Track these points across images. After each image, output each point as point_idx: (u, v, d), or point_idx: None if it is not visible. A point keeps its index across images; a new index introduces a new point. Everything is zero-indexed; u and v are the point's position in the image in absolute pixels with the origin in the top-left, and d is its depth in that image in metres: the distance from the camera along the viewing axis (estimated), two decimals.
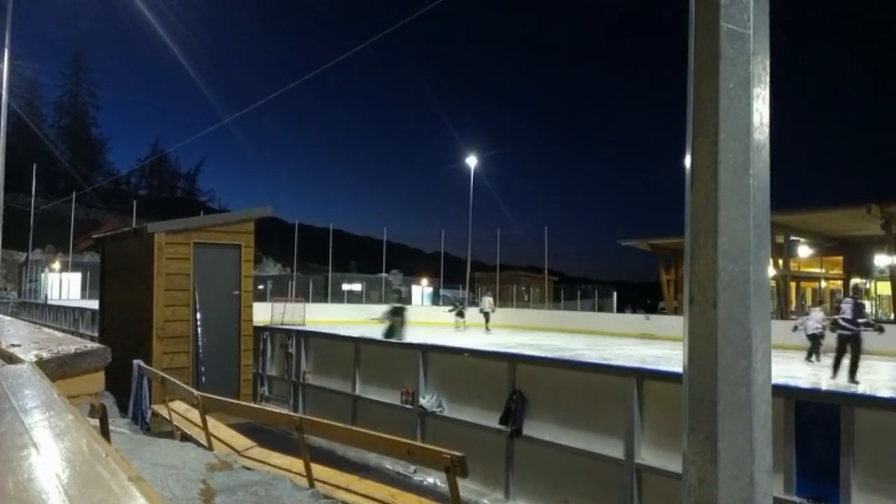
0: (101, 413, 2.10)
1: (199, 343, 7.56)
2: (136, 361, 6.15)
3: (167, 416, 5.27)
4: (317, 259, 47.10)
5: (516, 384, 4.77)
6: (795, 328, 15.63)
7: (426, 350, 5.73)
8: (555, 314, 30.52)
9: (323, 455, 5.38)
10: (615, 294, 35.15)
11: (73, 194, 43.68)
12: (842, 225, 26.96)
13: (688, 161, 1.64)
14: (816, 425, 3.32)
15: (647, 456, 4.00)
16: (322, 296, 33.02)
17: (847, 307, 12.01)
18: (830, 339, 15.22)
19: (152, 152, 78.13)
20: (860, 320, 11.42)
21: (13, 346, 2.82)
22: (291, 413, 4.53)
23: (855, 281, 29.22)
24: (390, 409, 5.96)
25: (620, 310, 33.74)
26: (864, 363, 16.22)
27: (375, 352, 6.36)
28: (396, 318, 6.74)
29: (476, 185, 35.39)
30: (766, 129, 1.61)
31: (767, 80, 1.62)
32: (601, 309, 33.61)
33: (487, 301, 23.30)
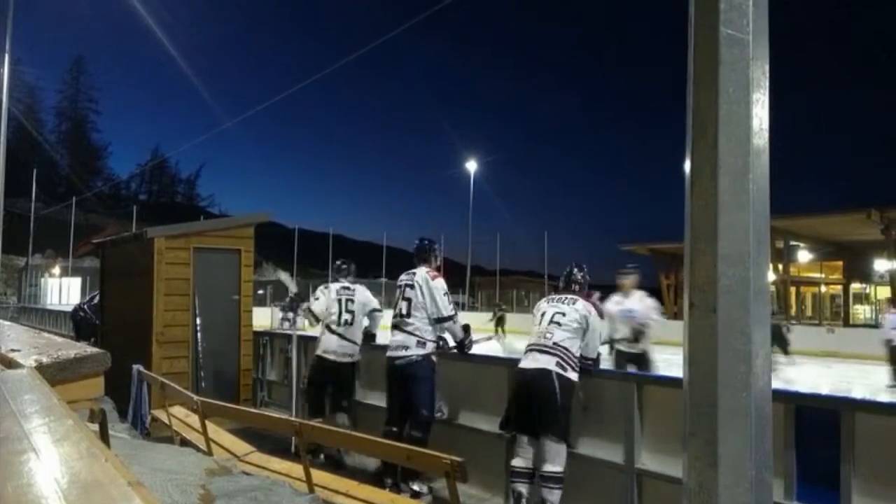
0: (100, 418, 2.10)
1: (199, 348, 7.55)
2: (135, 366, 6.14)
3: (166, 422, 5.26)
4: (317, 264, 47.13)
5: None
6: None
7: None
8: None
9: (322, 460, 5.38)
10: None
11: (73, 199, 43.78)
12: (841, 230, 26.99)
13: (687, 166, 1.64)
14: (817, 430, 3.32)
15: (648, 461, 4.00)
16: None
17: None
18: None
19: (152, 157, 78.48)
20: None
21: (13, 350, 2.82)
22: (291, 418, 4.52)
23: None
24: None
25: None
26: (864, 368, 16.23)
27: (374, 357, 6.35)
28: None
29: (476, 190, 35.43)
30: (766, 134, 1.61)
31: (767, 84, 1.63)
32: None
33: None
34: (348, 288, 6.19)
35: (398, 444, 3.34)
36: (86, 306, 12.33)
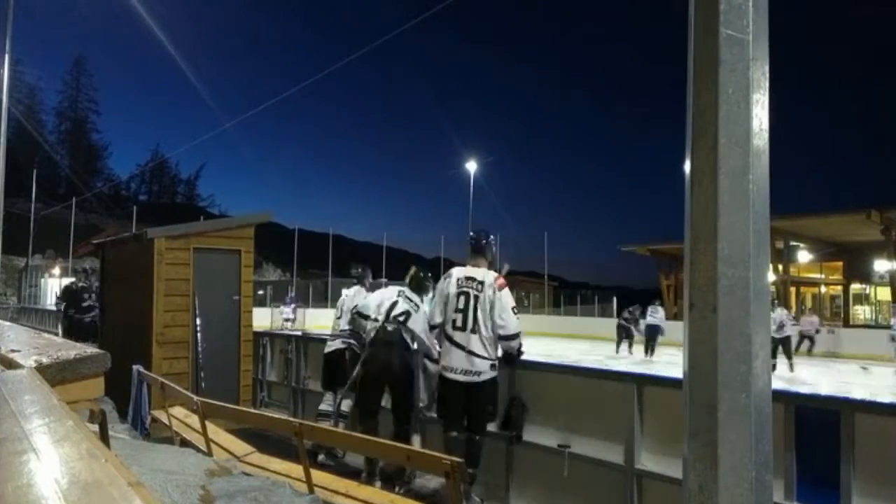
0: (100, 418, 2.10)
1: (199, 348, 7.55)
2: (135, 367, 6.13)
3: (167, 422, 5.26)
4: (317, 264, 47.10)
5: (516, 390, 4.77)
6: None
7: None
8: (555, 319, 30.52)
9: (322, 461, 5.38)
10: (615, 299, 35.12)
11: (73, 200, 43.72)
12: (841, 230, 27.01)
13: (687, 167, 1.64)
14: (816, 431, 3.32)
15: (648, 461, 4.00)
16: (322, 301, 33.00)
17: None
18: None
19: (152, 158, 78.56)
20: None
21: (13, 351, 2.82)
22: (291, 418, 4.52)
23: None
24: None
25: (620, 315, 33.65)
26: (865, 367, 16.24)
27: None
28: None
29: (476, 190, 35.44)
30: (766, 135, 1.61)
31: (767, 85, 1.62)
32: (601, 314, 33.58)
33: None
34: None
35: (398, 444, 3.33)
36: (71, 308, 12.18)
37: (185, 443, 4.75)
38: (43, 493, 0.84)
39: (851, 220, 24.35)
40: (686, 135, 1.65)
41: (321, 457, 5.52)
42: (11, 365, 2.50)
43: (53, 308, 23.48)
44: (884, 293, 30.11)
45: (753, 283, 1.54)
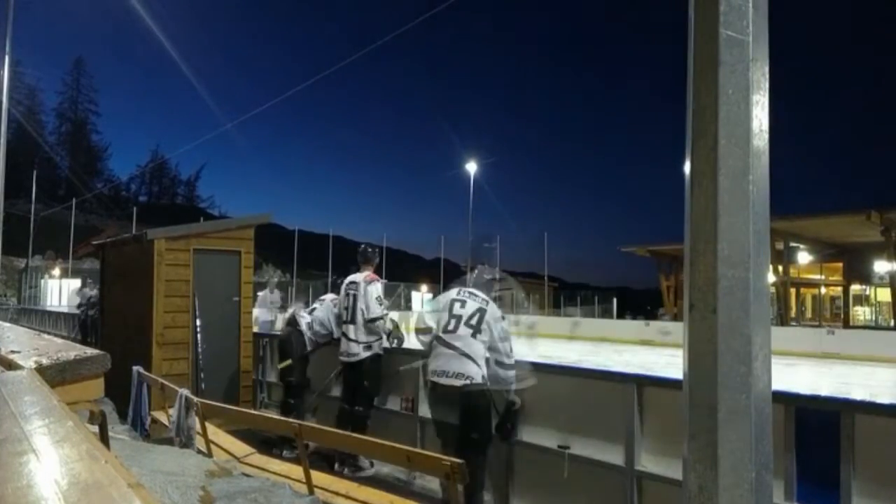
0: (100, 419, 2.10)
1: (199, 349, 7.54)
2: (135, 368, 6.13)
3: (166, 423, 5.26)
4: (317, 265, 47.10)
5: (515, 391, 4.76)
6: None
7: (425, 356, 5.71)
8: (554, 320, 30.53)
9: (322, 462, 5.37)
10: (615, 300, 35.14)
11: (73, 201, 43.71)
12: (841, 231, 26.98)
13: (687, 167, 1.64)
14: (816, 431, 3.31)
15: (648, 463, 3.99)
16: None
17: None
18: None
19: (152, 158, 78.68)
20: None
21: (13, 352, 2.82)
22: (290, 419, 4.52)
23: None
24: (390, 416, 5.94)
25: (620, 316, 33.69)
26: (864, 369, 16.23)
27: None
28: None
29: (476, 191, 35.46)
30: (766, 136, 1.61)
31: (767, 86, 1.63)
32: (601, 315, 33.59)
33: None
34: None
35: (397, 445, 3.33)
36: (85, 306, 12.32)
37: (184, 444, 4.74)
38: (43, 494, 0.84)
39: (851, 221, 24.33)
40: (686, 135, 1.65)
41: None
42: (11, 366, 2.50)
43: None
44: (884, 294, 30.10)
45: (753, 284, 1.54)
